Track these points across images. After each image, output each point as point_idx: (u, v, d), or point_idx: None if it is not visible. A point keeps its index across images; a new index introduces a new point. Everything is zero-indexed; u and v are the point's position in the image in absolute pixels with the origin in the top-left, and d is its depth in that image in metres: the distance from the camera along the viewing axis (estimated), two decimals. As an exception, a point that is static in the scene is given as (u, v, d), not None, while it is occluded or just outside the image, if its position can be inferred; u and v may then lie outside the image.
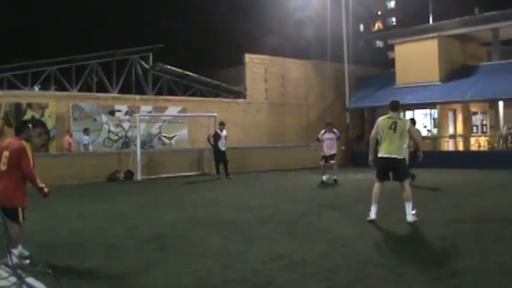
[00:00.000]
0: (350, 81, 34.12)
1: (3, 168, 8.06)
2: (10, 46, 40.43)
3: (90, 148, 25.49)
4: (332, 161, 21.38)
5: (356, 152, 32.59)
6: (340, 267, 7.70)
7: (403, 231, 10.44)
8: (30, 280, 3.92)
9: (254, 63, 32.96)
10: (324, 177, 21.05)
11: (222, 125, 24.10)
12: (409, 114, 35.10)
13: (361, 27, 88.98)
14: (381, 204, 11.65)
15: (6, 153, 8.12)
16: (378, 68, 41.06)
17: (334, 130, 21.65)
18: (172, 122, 29.04)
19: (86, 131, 25.39)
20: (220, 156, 23.56)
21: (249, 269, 7.69)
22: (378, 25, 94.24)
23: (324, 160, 21.31)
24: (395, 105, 11.76)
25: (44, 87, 30.18)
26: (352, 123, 34.48)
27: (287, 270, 7.59)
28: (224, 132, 23.92)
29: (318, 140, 21.68)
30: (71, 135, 25.16)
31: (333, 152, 21.34)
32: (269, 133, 32.40)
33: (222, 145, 23.55)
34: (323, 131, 21.56)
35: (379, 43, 79.12)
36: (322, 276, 7.25)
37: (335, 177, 21.10)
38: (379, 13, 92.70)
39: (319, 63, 35.66)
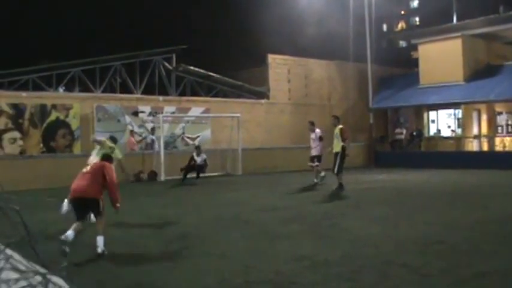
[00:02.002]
0: (373, 82, 33.96)
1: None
2: (35, 48, 40.77)
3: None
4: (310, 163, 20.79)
5: (379, 153, 32.48)
6: (363, 267, 7.67)
7: (427, 232, 10.37)
8: (56, 279, 3.94)
9: (277, 64, 32.98)
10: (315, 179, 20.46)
11: (197, 149, 23.11)
12: (433, 115, 34.94)
13: (384, 27, 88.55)
14: (405, 205, 11.54)
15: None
16: (401, 68, 40.95)
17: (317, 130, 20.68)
18: (195, 122, 29.13)
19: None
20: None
21: (272, 269, 7.69)
22: (401, 25, 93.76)
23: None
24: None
25: (69, 88, 30.44)
26: (376, 124, 34.29)
27: (310, 271, 7.58)
28: (201, 158, 22.54)
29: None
30: (133, 136, 26.33)
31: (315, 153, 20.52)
32: (292, 133, 32.36)
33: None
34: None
35: (403, 43, 78.83)
36: (345, 277, 7.23)
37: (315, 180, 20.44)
38: (403, 13, 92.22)
39: (342, 63, 35.62)
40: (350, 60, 35.22)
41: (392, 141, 35.56)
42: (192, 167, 22.48)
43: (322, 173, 20.40)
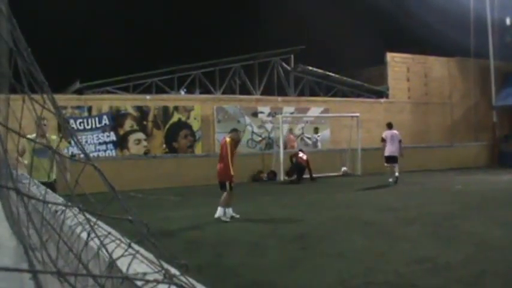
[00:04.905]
0: (496, 78, 32.84)
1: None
2: (158, 52, 42.04)
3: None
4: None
5: (503, 152, 31.35)
6: (486, 272, 7.50)
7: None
8: (178, 276, 4.11)
9: (396, 62, 32.56)
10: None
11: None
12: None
13: (508, 20, 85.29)
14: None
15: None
16: (527, 63, 39.35)
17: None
18: (314, 122, 29.15)
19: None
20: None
21: (391, 271, 7.65)
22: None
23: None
24: None
25: (190, 90, 31.19)
26: (500, 122, 33.14)
27: (431, 274, 7.49)
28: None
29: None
30: (292, 133, 27.70)
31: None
32: (412, 133, 31.79)
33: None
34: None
35: (529, 37, 75.57)
36: (467, 281, 7.09)
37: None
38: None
39: (463, 60, 34.65)
40: (471, 56, 34.21)
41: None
42: (300, 168, 23.37)
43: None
